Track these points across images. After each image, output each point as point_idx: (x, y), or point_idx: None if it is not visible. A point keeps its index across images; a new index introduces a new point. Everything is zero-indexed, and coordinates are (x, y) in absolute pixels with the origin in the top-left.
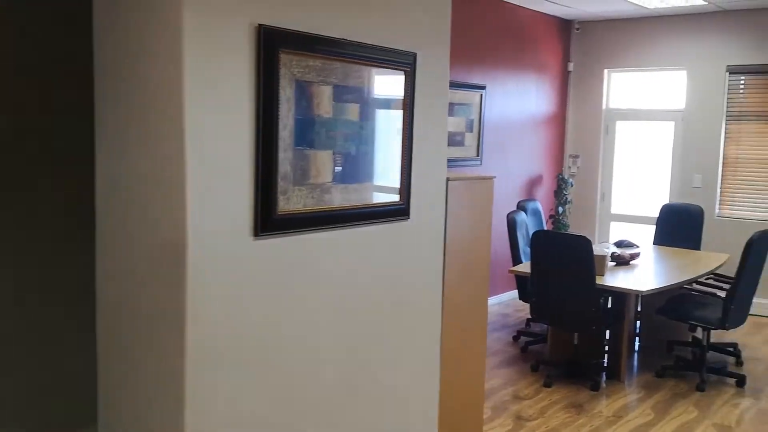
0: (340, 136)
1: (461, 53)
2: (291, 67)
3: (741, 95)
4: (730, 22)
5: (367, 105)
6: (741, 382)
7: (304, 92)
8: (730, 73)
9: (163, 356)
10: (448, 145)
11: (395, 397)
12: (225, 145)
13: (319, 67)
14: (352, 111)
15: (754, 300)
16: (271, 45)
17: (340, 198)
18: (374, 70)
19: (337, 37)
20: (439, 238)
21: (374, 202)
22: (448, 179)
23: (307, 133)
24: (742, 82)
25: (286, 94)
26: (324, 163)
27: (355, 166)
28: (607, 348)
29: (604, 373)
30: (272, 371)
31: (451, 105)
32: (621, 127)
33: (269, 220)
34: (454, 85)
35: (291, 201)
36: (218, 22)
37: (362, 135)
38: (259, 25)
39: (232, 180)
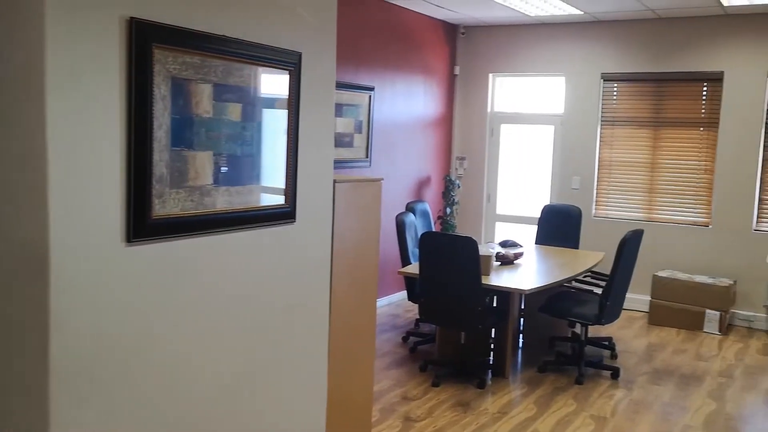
0: (221, 137)
1: (349, 54)
2: (166, 64)
3: (614, 101)
4: (605, 32)
5: (250, 105)
6: (615, 374)
7: (181, 90)
8: (604, 80)
9: (26, 369)
10: (337, 146)
11: (282, 402)
12: (92, 145)
13: (197, 65)
14: (234, 111)
15: (627, 295)
16: (144, 39)
17: (221, 201)
18: (257, 68)
19: (216, 33)
20: (327, 241)
21: (258, 205)
22: (335, 181)
23: (185, 133)
24: (615, 88)
25: (161, 92)
26: (204, 164)
27: (238, 168)
28: (493, 346)
29: (490, 370)
30: (148, 383)
31: (340, 106)
32: (505, 130)
33: (143, 225)
34: (342, 85)
35: (167, 204)
36: (85, 14)
37: (245, 136)
38: (131, 18)
39: (101, 182)
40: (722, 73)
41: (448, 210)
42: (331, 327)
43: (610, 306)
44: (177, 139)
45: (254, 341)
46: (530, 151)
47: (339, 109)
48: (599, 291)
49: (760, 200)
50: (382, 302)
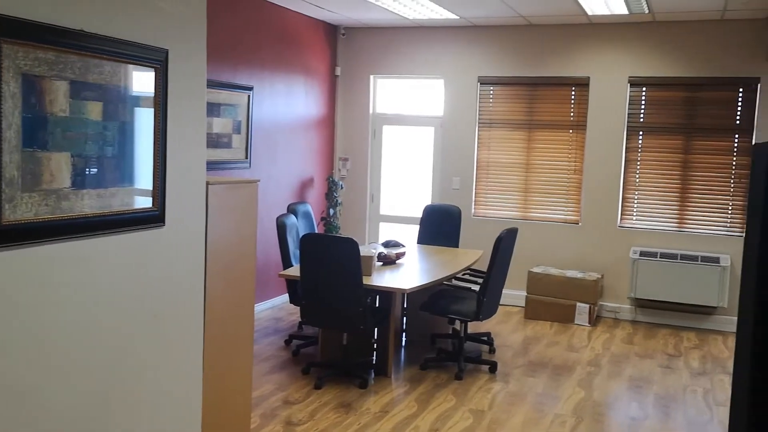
0: (79, 137)
1: (227, 53)
2: (16, 59)
3: (491, 104)
4: (481, 36)
5: (113, 103)
6: (493, 368)
7: (33, 87)
8: (481, 83)
9: None
10: (215, 147)
11: (155, 413)
12: None
13: (51, 60)
14: (95, 109)
15: (505, 291)
16: None
17: (82, 205)
18: (120, 65)
19: (72, 27)
20: (199, 245)
21: (124, 208)
22: (208, 183)
23: (38, 133)
24: (492, 91)
25: (11, 89)
26: (60, 166)
27: (100, 170)
28: (375, 346)
29: (373, 370)
30: (4, 399)
31: (217, 106)
32: (387, 131)
33: None
34: (219, 84)
35: (19, 209)
36: None
37: (107, 136)
38: None
39: None
40: (588, 78)
41: (332, 211)
42: (206, 333)
43: (487, 302)
44: (29, 139)
45: (121, 352)
46: (412, 152)
47: (216, 109)
48: (476, 287)
49: (624, 199)
50: (264, 306)
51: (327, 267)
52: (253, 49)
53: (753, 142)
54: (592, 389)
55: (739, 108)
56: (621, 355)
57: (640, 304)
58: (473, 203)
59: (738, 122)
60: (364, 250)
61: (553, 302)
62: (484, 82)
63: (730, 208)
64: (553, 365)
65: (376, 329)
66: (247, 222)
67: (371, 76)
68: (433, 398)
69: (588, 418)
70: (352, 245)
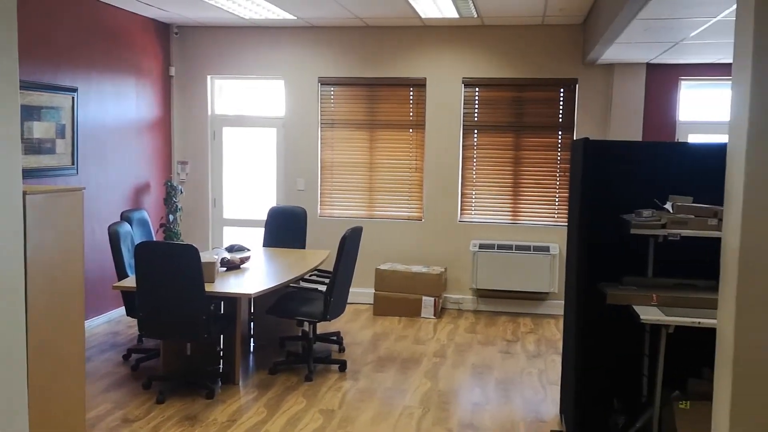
0: None
1: (47, 53)
2: None
3: (332, 104)
4: (320, 37)
5: None
6: (343, 367)
7: None
8: (322, 84)
9: None
10: (35, 153)
11: None
12: None
13: None
14: None
15: (353, 289)
16: None
17: None
18: None
19: None
20: (18, 260)
21: None
22: (25, 193)
23: None
24: (332, 92)
25: None
26: None
27: None
28: (222, 353)
29: (220, 379)
30: None
31: (37, 108)
32: (228, 133)
33: None
34: (38, 86)
35: None
36: None
37: None
38: None
39: None
40: (425, 79)
41: (171, 217)
42: (29, 353)
43: (334, 302)
44: None
45: None
46: (254, 153)
47: (36, 113)
48: (324, 288)
49: (463, 195)
50: (99, 320)
51: (165, 276)
52: (78, 49)
53: (574, 138)
54: (438, 379)
55: (561, 107)
56: (464, 345)
57: (481, 294)
58: (319, 204)
59: (560, 120)
60: (205, 256)
61: (400, 297)
62: (324, 82)
63: (556, 200)
64: (401, 359)
65: (221, 337)
66: (73, 232)
67: (209, 77)
68: (283, 402)
69: (434, 408)
70: (191, 252)
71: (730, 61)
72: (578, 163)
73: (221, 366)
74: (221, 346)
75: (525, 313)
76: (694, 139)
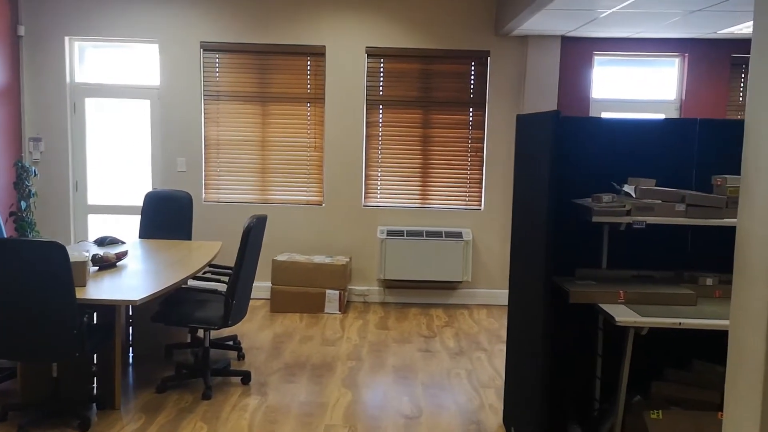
0: None
1: None
2: None
3: (217, 74)
4: None
5: None
6: (246, 378)
7: None
8: (204, 50)
9: None
10: None
11: None
12: None
13: None
14: None
15: None
16: None
17: None
18: None
19: None
20: None
21: None
22: None
23: None
24: (217, 59)
25: None
26: None
27: None
28: (97, 372)
29: (95, 404)
30: None
31: None
32: (92, 105)
33: None
34: None
35: None
36: None
37: None
38: None
39: None
40: (324, 47)
41: (23, 204)
42: None
43: (237, 304)
44: None
45: None
46: (125, 129)
47: None
48: (220, 286)
49: (367, 176)
50: None
51: (22, 282)
52: None
53: (485, 116)
54: (359, 388)
55: (472, 81)
56: (379, 343)
57: (389, 285)
58: (203, 187)
59: (471, 96)
60: (73, 254)
61: (301, 292)
62: (208, 48)
63: (468, 182)
64: (312, 365)
65: (95, 352)
66: None
67: (67, 38)
68: (177, 429)
69: (361, 426)
70: (57, 251)
71: (649, 35)
72: (546, 140)
73: (95, 388)
74: (95, 364)
75: (436, 304)
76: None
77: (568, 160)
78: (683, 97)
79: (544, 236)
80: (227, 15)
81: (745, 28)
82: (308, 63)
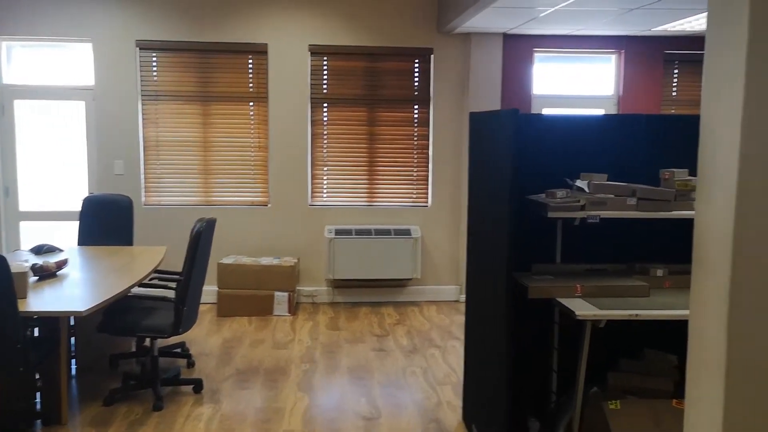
0: None
1: None
2: None
3: (155, 73)
4: None
5: None
6: (198, 387)
7: None
8: (141, 49)
9: None
10: None
11: None
12: None
13: None
14: None
15: None
16: None
17: None
18: None
19: None
20: None
21: None
22: None
23: None
24: (155, 58)
25: None
26: None
27: None
28: (40, 386)
29: (41, 420)
30: None
31: None
32: (22, 107)
33: None
34: None
35: None
36: None
37: None
38: None
39: None
40: (266, 45)
41: None
42: None
43: (187, 311)
44: None
45: None
46: (58, 131)
47: None
48: (166, 292)
49: (313, 176)
50: None
51: None
52: None
53: (431, 113)
54: (315, 391)
55: (417, 79)
56: (332, 344)
57: (338, 284)
58: (143, 190)
59: (416, 93)
60: (12, 264)
61: (248, 295)
62: (144, 47)
63: (415, 179)
64: (265, 369)
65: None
66: None
67: None
68: None
69: (321, 430)
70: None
71: (587, 32)
72: (505, 137)
73: (39, 402)
74: (38, 378)
75: (387, 302)
76: (548, 113)
77: (521, 156)
78: (621, 93)
79: (505, 233)
80: (164, 12)
81: (678, 25)
82: (250, 61)
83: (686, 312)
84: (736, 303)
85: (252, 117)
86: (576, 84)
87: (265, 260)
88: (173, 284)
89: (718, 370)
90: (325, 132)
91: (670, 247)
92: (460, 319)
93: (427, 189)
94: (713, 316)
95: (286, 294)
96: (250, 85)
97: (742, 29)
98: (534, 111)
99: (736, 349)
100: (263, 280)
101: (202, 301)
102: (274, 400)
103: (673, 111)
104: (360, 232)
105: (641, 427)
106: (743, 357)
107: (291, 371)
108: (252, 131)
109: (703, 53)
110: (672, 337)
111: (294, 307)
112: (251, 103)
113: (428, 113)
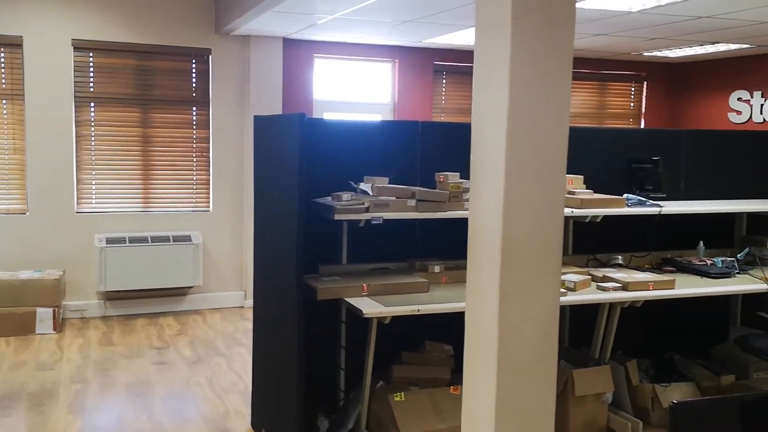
0: None
1: None
2: None
3: (90, 75)
4: None
5: None
6: None
7: None
8: (76, 49)
9: None
10: None
11: None
12: None
13: None
14: None
15: None
16: None
17: None
18: None
19: None
20: None
21: None
22: None
23: None
24: (91, 59)
25: None
26: None
27: None
28: None
29: None
30: None
31: None
32: None
33: None
34: None
35: None
36: None
37: None
38: None
39: None
40: (21, 38)
41: None
42: None
43: None
44: None
45: None
46: None
47: None
48: None
49: (79, 180)
50: None
51: None
52: None
53: (210, 115)
54: (89, 412)
55: (194, 79)
56: (106, 361)
57: (110, 296)
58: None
59: (194, 94)
60: None
61: (6, 313)
62: (79, 47)
63: (194, 183)
64: (29, 393)
65: None
66: None
67: None
68: None
69: None
70: None
71: (365, 41)
72: (293, 141)
73: None
74: None
75: (166, 312)
76: (329, 117)
77: (307, 160)
78: (396, 100)
79: (294, 237)
80: (101, 11)
81: (445, 39)
82: (2, 55)
83: (462, 304)
84: (505, 293)
85: (5, 116)
86: (356, 90)
87: (25, 274)
88: None
89: (491, 356)
90: (93, 133)
91: (445, 244)
92: (246, 325)
93: (208, 193)
94: (486, 305)
95: (50, 310)
96: (2, 81)
97: (505, 48)
98: (315, 115)
99: (506, 335)
100: (23, 295)
101: None
102: (41, 426)
103: (442, 118)
104: (134, 240)
105: (423, 415)
106: (512, 343)
107: (60, 393)
108: (5, 132)
109: (468, 65)
110: (448, 328)
111: (60, 324)
112: (4, 101)
113: (208, 115)
